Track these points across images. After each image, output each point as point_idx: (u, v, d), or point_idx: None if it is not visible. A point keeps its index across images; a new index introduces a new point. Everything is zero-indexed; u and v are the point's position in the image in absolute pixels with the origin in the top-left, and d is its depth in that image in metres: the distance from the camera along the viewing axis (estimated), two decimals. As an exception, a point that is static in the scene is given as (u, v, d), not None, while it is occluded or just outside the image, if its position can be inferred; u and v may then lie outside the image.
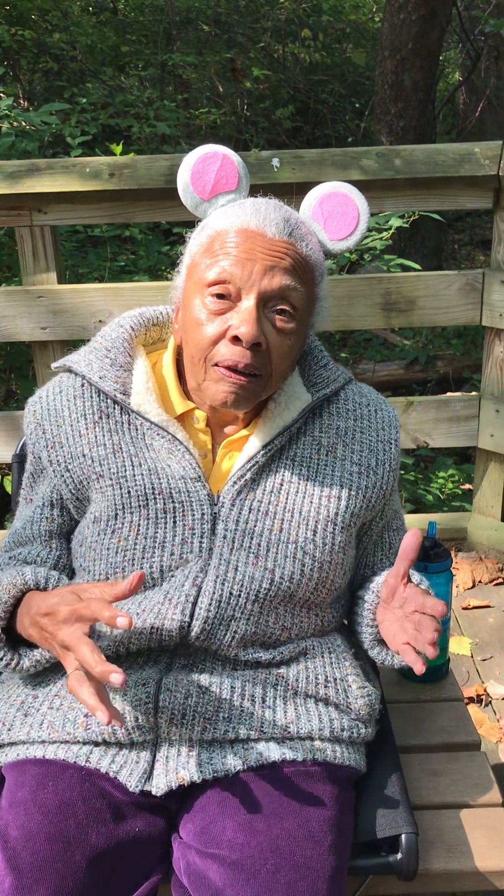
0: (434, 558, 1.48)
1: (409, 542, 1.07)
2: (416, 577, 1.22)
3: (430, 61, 5.54)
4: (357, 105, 8.27)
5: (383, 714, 1.33)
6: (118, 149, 3.26)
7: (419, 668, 1.02)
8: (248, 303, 1.08)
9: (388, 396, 3.68)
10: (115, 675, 0.92)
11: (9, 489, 2.90)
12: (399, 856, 1.10)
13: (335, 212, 1.19)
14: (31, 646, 1.14)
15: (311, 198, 1.20)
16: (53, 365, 1.25)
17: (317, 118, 7.97)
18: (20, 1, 7.28)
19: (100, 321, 2.40)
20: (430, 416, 2.61)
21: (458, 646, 2.28)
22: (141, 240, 3.85)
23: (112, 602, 0.99)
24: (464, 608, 2.45)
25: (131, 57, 7.24)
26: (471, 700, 2.08)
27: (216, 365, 1.09)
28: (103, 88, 6.14)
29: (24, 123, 3.77)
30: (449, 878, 1.16)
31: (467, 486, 3.52)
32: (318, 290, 1.17)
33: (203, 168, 1.17)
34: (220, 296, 1.09)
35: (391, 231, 3.29)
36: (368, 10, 8.84)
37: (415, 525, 2.78)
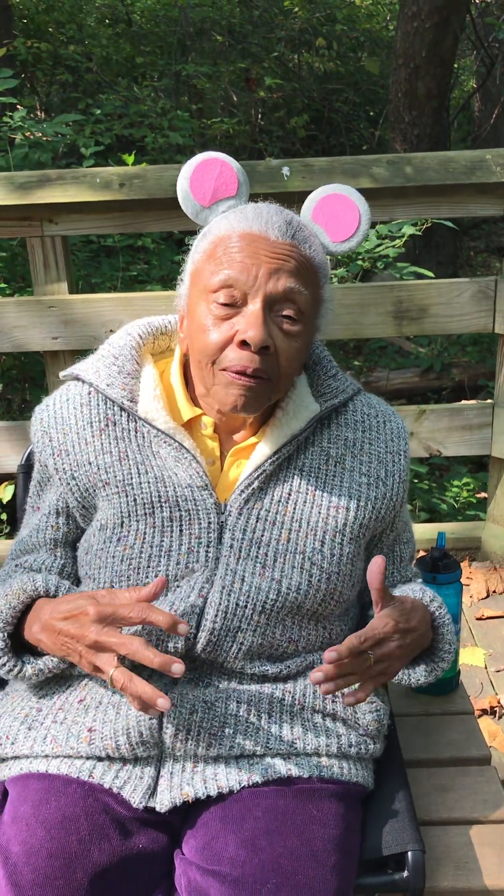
0: (443, 570, 1.47)
1: (371, 571, 1.05)
2: (428, 595, 1.20)
3: (443, 69, 5.53)
4: (371, 113, 8.28)
5: (391, 728, 1.31)
6: (130, 159, 3.27)
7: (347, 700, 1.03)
8: (255, 307, 1.08)
9: (402, 404, 3.67)
10: (177, 665, 0.94)
11: (4, 498, 2.92)
12: (406, 873, 1.08)
13: (336, 214, 1.19)
14: (36, 653, 1.14)
15: (312, 200, 1.20)
16: (62, 374, 1.25)
17: (331, 127, 7.98)
18: (37, 14, 7.36)
19: (111, 331, 2.40)
20: (443, 424, 2.59)
21: (472, 657, 2.25)
22: (154, 249, 3.86)
23: None
24: (477, 618, 2.43)
25: (146, 68, 7.29)
26: (484, 712, 2.05)
27: (224, 370, 1.09)
28: (118, 99, 6.18)
29: (38, 134, 3.79)
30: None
31: (482, 494, 3.49)
32: (323, 292, 1.17)
33: (202, 175, 1.17)
34: (225, 303, 1.08)
35: (404, 239, 3.28)
36: (382, 19, 8.85)
37: (429, 536, 2.76)
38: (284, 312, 1.09)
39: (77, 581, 1.24)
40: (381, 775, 1.22)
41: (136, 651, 0.96)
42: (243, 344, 1.07)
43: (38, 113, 7.07)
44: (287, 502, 1.17)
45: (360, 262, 3.33)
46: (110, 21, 8.08)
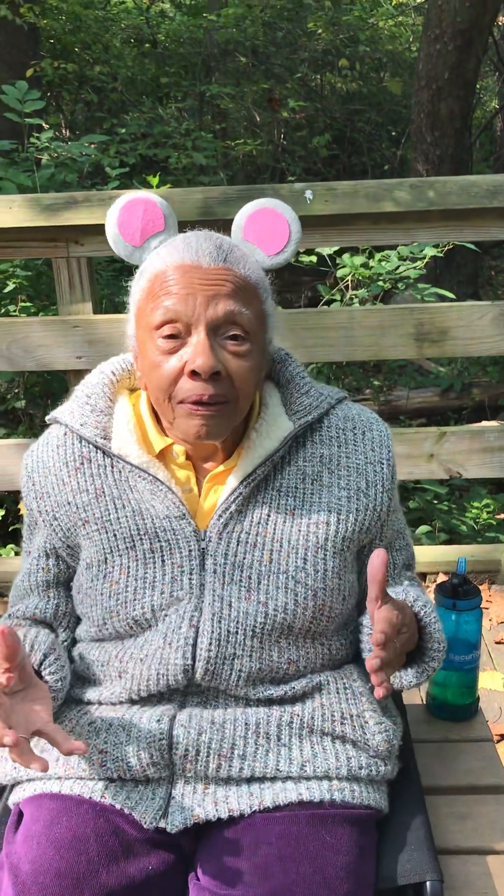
0: (463, 596, 1.46)
1: (373, 564, 1.03)
2: (411, 594, 1.18)
3: (466, 90, 5.56)
4: (393, 133, 8.32)
5: (409, 753, 1.31)
6: (154, 180, 3.31)
7: (378, 692, 1.00)
8: (199, 336, 1.08)
9: (422, 424, 3.67)
10: (8, 738, 0.91)
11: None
12: (422, 904, 1.08)
13: (265, 228, 1.19)
14: None
15: (239, 219, 1.20)
16: (47, 418, 1.27)
17: (353, 146, 8.03)
18: (64, 35, 7.48)
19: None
20: (464, 446, 2.59)
21: (492, 681, 2.24)
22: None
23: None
24: (497, 642, 2.41)
25: (170, 88, 7.38)
26: (502, 737, 2.04)
27: (182, 402, 1.10)
28: (142, 119, 6.26)
29: (64, 154, 3.85)
30: (474, 927, 1.13)
31: (502, 516, 3.47)
32: (266, 306, 1.17)
33: (128, 217, 1.18)
34: (170, 336, 1.09)
35: (426, 260, 3.29)
36: (405, 40, 8.91)
37: (452, 559, 2.74)
38: (230, 334, 1.10)
39: (75, 618, 1.27)
40: (398, 801, 1.21)
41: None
42: (194, 373, 1.07)
43: (63, 131, 7.17)
44: (266, 523, 1.17)
45: (380, 284, 3.35)
46: (135, 42, 8.19)
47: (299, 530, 1.17)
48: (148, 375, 1.14)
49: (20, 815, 1.12)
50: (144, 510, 1.17)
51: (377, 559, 1.03)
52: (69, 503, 1.20)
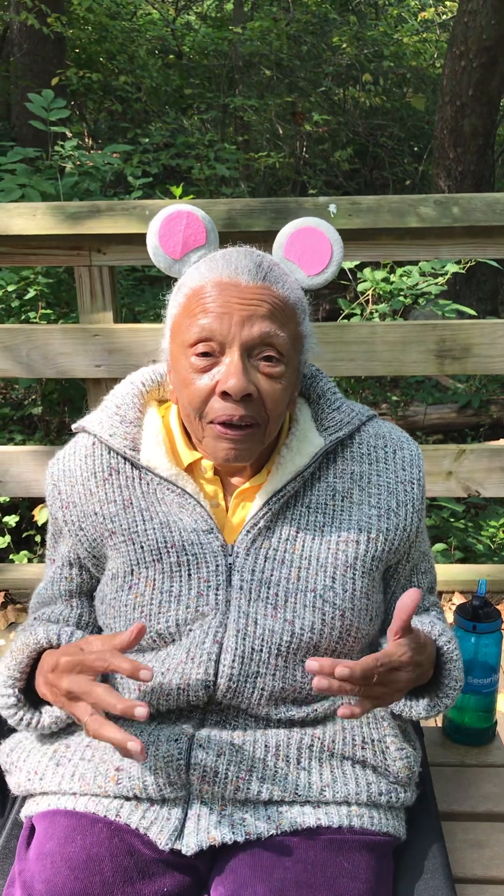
0: (484, 618, 1.44)
1: (404, 602, 1.02)
2: (438, 627, 1.17)
3: (490, 108, 5.56)
4: (416, 149, 8.32)
5: (425, 778, 1.28)
6: (178, 190, 3.32)
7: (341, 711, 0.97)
8: (233, 356, 1.07)
9: (439, 441, 3.64)
10: (140, 709, 0.92)
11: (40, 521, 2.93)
12: (439, 934, 1.06)
13: (307, 248, 1.18)
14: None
15: (282, 237, 1.19)
16: (73, 427, 1.26)
17: (375, 161, 8.04)
18: (90, 45, 7.54)
19: (153, 360, 2.42)
20: (483, 465, 2.57)
21: (506, 704, 2.20)
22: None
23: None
24: (512, 664, 2.38)
25: (194, 99, 7.42)
26: (518, 762, 2.00)
27: (211, 422, 1.09)
28: (165, 129, 6.29)
29: (87, 163, 3.87)
30: None
31: (519, 535, 3.44)
32: (303, 328, 1.15)
33: (170, 229, 1.17)
34: (204, 353, 1.08)
35: (447, 276, 3.28)
36: (430, 57, 8.92)
37: (468, 578, 2.71)
38: (264, 355, 1.08)
39: (97, 629, 1.25)
40: (414, 827, 1.19)
41: (100, 699, 0.96)
42: (225, 394, 1.06)
43: (87, 140, 7.22)
44: (295, 540, 1.15)
45: (401, 299, 3.33)
46: (160, 53, 8.24)
47: (328, 548, 1.15)
48: (179, 391, 1.13)
49: (32, 829, 1.10)
50: (172, 523, 1.16)
51: (409, 599, 1.02)
52: (96, 514, 1.19)
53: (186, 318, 1.10)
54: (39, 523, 3.06)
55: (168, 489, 1.16)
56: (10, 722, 1.14)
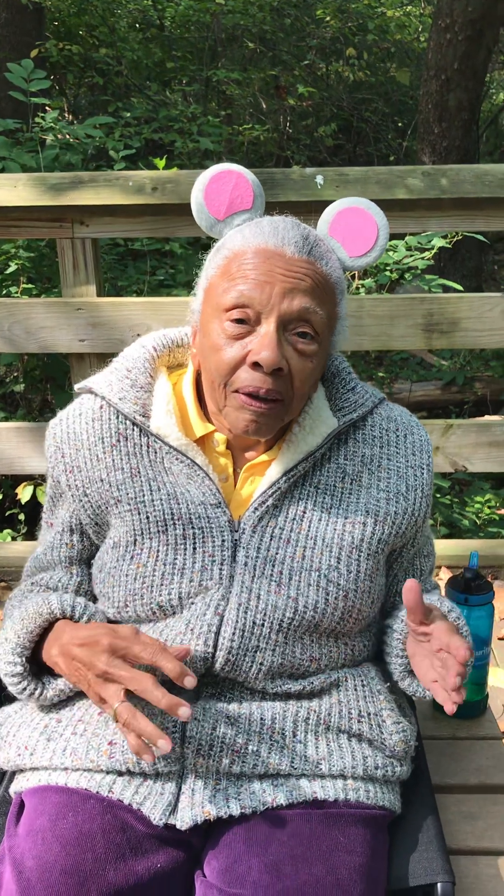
0: (475, 591, 1.43)
1: (411, 602, 1.04)
2: (445, 605, 1.17)
3: (475, 82, 5.51)
4: (400, 124, 8.26)
5: (419, 750, 1.28)
6: (161, 163, 3.26)
7: (449, 707, 0.99)
8: (268, 327, 1.05)
9: (423, 418, 3.65)
10: (185, 709, 0.92)
11: (43, 501, 2.90)
12: (434, 905, 1.05)
13: (353, 228, 1.16)
14: (55, 675, 1.12)
15: (329, 214, 1.17)
16: (76, 386, 1.23)
17: (359, 136, 7.98)
18: (69, 17, 7.39)
19: (138, 335, 2.38)
20: (470, 439, 2.56)
21: (496, 678, 2.21)
22: (181, 254, 3.85)
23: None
24: (500, 639, 2.39)
25: (176, 72, 7.30)
26: (506, 735, 2.01)
27: (237, 391, 1.06)
28: (147, 103, 6.19)
29: (68, 136, 3.79)
30: (485, 930, 1.11)
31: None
32: (339, 309, 1.14)
33: (217, 188, 1.14)
34: (238, 320, 1.06)
35: (433, 251, 3.25)
36: (414, 30, 8.84)
37: (454, 553, 2.71)
38: (299, 331, 1.06)
39: (94, 599, 1.22)
40: (408, 800, 1.18)
41: (146, 689, 0.95)
42: (256, 365, 1.04)
43: (67, 115, 7.10)
44: (302, 520, 1.14)
45: (388, 274, 3.31)
46: (142, 25, 8.10)
47: (335, 529, 1.14)
48: (207, 356, 1.10)
49: (21, 805, 1.08)
50: (179, 494, 1.13)
51: (412, 594, 1.03)
52: (102, 480, 1.16)
53: (224, 281, 1.07)
54: (23, 501, 3.02)
55: (177, 459, 1.14)
56: (11, 690, 1.11)
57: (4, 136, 3.51)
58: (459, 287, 3.30)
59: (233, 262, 1.08)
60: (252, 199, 1.15)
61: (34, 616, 1.10)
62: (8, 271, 3.25)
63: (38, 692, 1.11)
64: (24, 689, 1.10)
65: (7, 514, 3.28)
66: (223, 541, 1.11)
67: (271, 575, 1.10)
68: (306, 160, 7.14)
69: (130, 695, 0.98)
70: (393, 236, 3.42)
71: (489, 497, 3.51)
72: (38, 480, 3.02)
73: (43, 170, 3.36)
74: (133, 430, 1.17)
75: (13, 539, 3.11)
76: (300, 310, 1.05)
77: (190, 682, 0.94)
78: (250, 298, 1.05)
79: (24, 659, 1.10)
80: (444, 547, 2.77)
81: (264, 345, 1.03)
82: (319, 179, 2.29)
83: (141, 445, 1.17)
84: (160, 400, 1.16)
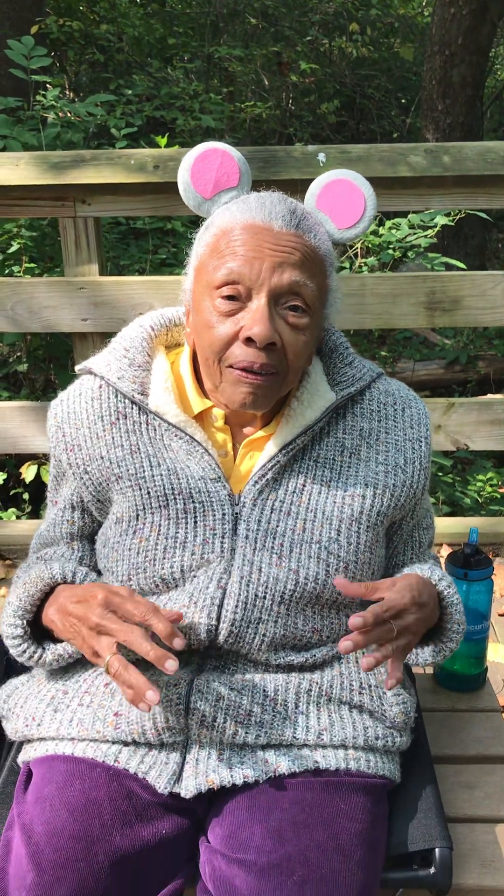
0: (475, 566, 1.45)
1: (348, 592, 1.04)
2: (437, 573, 1.18)
3: (479, 57, 5.46)
4: (403, 101, 8.19)
5: (418, 722, 1.30)
6: (163, 141, 3.25)
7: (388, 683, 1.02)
8: (259, 302, 1.06)
9: (426, 397, 3.66)
10: (171, 662, 0.93)
11: (47, 479, 2.92)
12: (432, 870, 1.08)
13: (341, 200, 1.16)
14: (56, 640, 1.15)
15: (316, 187, 1.17)
16: (77, 367, 1.24)
17: (362, 113, 7.91)
18: (69, -8, 7.31)
19: (140, 314, 2.38)
20: (472, 418, 2.57)
21: (495, 653, 2.23)
22: (183, 233, 3.84)
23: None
24: (500, 615, 2.41)
25: (178, 49, 7.23)
26: (506, 709, 2.04)
27: (231, 367, 1.07)
28: (149, 80, 6.14)
29: (69, 114, 3.77)
30: (482, 894, 1.13)
31: (506, 489, 3.46)
32: (330, 281, 1.14)
33: (203, 166, 1.15)
34: (229, 297, 1.06)
35: (436, 229, 3.24)
36: (418, 5, 8.73)
37: (455, 530, 2.72)
38: (290, 304, 1.07)
39: (97, 573, 1.24)
40: (408, 770, 1.21)
41: (135, 641, 0.96)
42: (249, 341, 1.05)
43: (67, 93, 7.04)
44: (301, 493, 1.15)
45: (391, 252, 3.30)
46: (143, 1, 8.01)
47: (334, 502, 1.15)
48: (200, 334, 1.11)
49: (29, 774, 1.11)
50: (179, 470, 1.15)
51: (344, 588, 1.03)
52: (102, 457, 1.17)
53: (214, 258, 1.08)
54: (27, 480, 3.04)
55: (176, 436, 1.16)
56: (13, 653, 1.14)
57: (5, 115, 3.49)
58: (462, 265, 3.30)
59: (221, 240, 1.08)
60: (238, 177, 1.15)
61: (36, 581, 1.13)
62: (10, 251, 3.25)
63: (37, 655, 1.13)
64: (25, 651, 1.12)
65: (11, 493, 3.30)
66: (224, 514, 1.13)
67: (272, 547, 1.12)
68: (309, 137, 7.09)
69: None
70: (395, 214, 3.41)
71: (491, 475, 3.52)
72: (41, 460, 3.03)
73: (45, 148, 3.35)
74: (132, 408, 1.19)
75: (17, 518, 3.14)
76: (290, 283, 1.06)
77: (178, 643, 0.96)
78: (240, 274, 1.05)
79: (24, 622, 1.12)
80: (446, 525, 2.79)
81: (256, 320, 1.05)
82: (322, 157, 2.28)
83: (140, 423, 1.18)
84: (158, 378, 1.18)
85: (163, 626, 0.97)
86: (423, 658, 1.18)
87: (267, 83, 7.21)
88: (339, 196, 1.16)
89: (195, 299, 1.13)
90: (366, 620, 0.98)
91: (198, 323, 1.12)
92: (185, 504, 1.13)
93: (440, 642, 1.17)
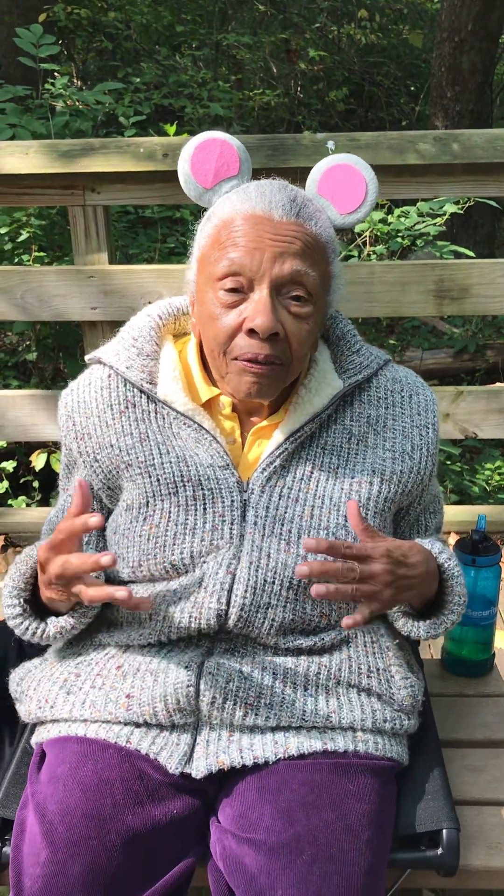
0: (483, 552, 1.46)
1: (350, 521, 1.06)
2: (436, 546, 1.19)
3: (489, 43, 5.41)
4: (412, 88, 8.13)
5: (426, 707, 1.31)
6: (172, 129, 3.25)
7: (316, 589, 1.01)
8: (261, 293, 1.06)
9: (435, 385, 3.65)
10: (105, 557, 0.97)
11: (56, 468, 2.94)
12: (440, 851, 1.09)
13: (342, 185, 1.16)
14: (58, 615, 1.16)
15: (316, 173, 1.17)
16: (87, 357, 1.25)
17: (371, 101, 7.85)
18: (77, -20, 7.28)
19: (149, 302, 2.39)
20: (480, 406, 2.57)
21: (499, 639, 2.24)
22: (192, 221, 3.84)
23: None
24: (508, 602, 2.41)
25: (186, 37, 7.20)
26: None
27: (236, 359, 1.08)
28: (157, 68, 6.12)
29: (78, 102, 3.77)
30: (489, 875, 1.15)
31: (514, 478, 3.46)
32: (332, 268, 1.14)
33: (203, 157, 1.15)
34: (232, 289, 1.07)
35: (445, 217, 3.23)
36: (427, -9, 8.66)
37: (463, 519, 2.72)
38: (293, 294, 1.08)
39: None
40: (416, 753, 1.22)
41: (74, 565, 1.01)
42: (252, 332, 1.06)
43: (75, 81, 7.02)
44: (309, 480, 1.16)
45: (399, 240, 3.30)
46: (150, -13, 7.97)
47: (342, 489, 1.16)
48: (204, 326, 1.12)
49: (43, 755, 1.12)
50: (188, 457, 1.16)
51: (352, 516, 1.05)
52: (112, 446, 1.19)
53: (215, 250, 1.09)
54: (37, 469, 3.06)
55: (184, 424, 1.17)
56: (18, 632, 1.15)
57: (14, 104, 3.49)
58: (471, 253, 3.29)
59: (222, 231, 1.09)
60: (238, 165, 1.15)
61: (25, 559, 1.16)
62: (20, 239, 3.26)
63: (40, 630, 1.14)
64: (28, 628, 1.14)
65: (21, 481, 3.32)
66: (232, 501, 1.14)
67: (280, 534, 1.13)
68: (317, 125, 7.06)
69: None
70: (404, 202, 3.40)
71: (499, 464, 3.52)
72: (51, 448, 3.05)
73: (53, 137, 3.35)
74: (141, 397, 1.20)
75: (27, 506, 3.15)
76: (292, 273, 1.06)
77: (107, 559, 0.98)
78: (241, 266, 1.06)
79: (21, 600, 1.14)
80: (454, 513, 2.80)
81: (258, 311, 1.05)
82: (331, 144, 2.28)
83: (149, 412, 1.19)
84: (166, 367, 1.19)
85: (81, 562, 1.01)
86: (425, 630, 1.18)
87: (275, 71, 7.18)
88: (341, 181, 1.16)
89: (199, 290, 1.13)
90: (319, 544, 0.99)
91: (202, 314, 1.12)
92: (194, 491, 1.14)
93: (441, 614, 1.18)
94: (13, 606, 1.14)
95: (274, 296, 1.07)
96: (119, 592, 0.98)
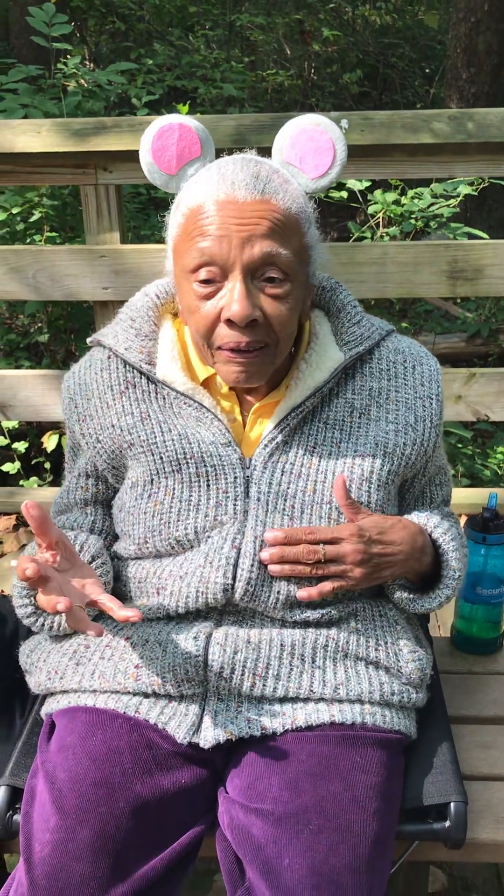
0: (493, 530, 1.45)
1: (336, 493, 1.11)
2: (433, 521, 1.20)
3: (506, 24, 5.35)
4: (427, 70, 8.06)
5: (435, 682, 1.32)
6: (185, 109, 3.23)
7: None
8: (235, 281, 1.04)
9: (447, 370, 3.63)
10: (62, 604, 0.94)
11: (48, 447, 2.97)
12: (447, 823, 1.10)
13: (308, 148, 1.12)
14: None
15: (281, 140, 1.13)
16: (88, 340, 1.25)
17: (385, 83, 7.79)
18: (90, -40, 7.24)
19: (161, 282, 2.39)
20: (493, 388, 2.55)
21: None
22: (203, 202, 3.83)
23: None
24: (518, 585, 2.41)
25: (199, 17, 7.16)
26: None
27: (220, 348, 1.08)
28: (170, 49, 6.09)
29: (90, 83, 3.75)
30: (496, 849, 1.15)
31: (526, 462, 3.45)
32: (308, 239, 1.11)
33: (162, 144, 1.12)
34: (206, 280, 1.05)
35: (459, 198, 3.21)
36: (443, -29, 8.56)
37: (475, 501, 2.70)
38: (267, 276, 1.05)
39: (111, 536, 1.27)
40: (424, 727, 1.23)
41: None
42: (230, 321, 1.05)
43: (88, 63, 7.00)
44: (312, 455, 1.16)
45: (413, 222, 3.27)
46: (164, -31, 7.92)
47: (344, 463, 1.16)
48: (186, 317, 1.12)
49: (52, 725, 1.13)
50: (190, 435, 1.16)
51: (338, 488, 1.11)
52: (113, 426, 1.19)
53: (186, 240, 1.07)
54: (49, 450, 3.07)
55: (185, 403, 1.17)
56: (35, 629, 1.17)
57: (27, 83, 3.48)
58: (485, 236, 3.26)
59: (190, 220, 1.07)
60: (200, 147, 1.13)
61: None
62: (32, 219, 3.25)
63: (55, 625, 1.16)
64: (43, 624, 1.16)
65: (33, 462, 3.34)
66: (235, 477, 1.14)
67: (283, 509, 1.13)
68: (331, 108, 7.01)
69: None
70: (418, 182, 3.37)
71: (511, 448, 3.50)
72: (62, 429, 3.06)
73: (66, 117, 3.34)
74: (140, 378, 1.20)
75: (39, 486, 3.17)
76: (262, 256, 1.04)
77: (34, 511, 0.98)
78: (212, 255, 1.04)
79: (31, 599, 1.15)
80: (465, 495, 2.79)
81: (233, 300, 1.04)
82: (345, 123, 2.26)
83: (149, 392, 1.19)
84: (165, 347, 1.18)
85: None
86: (418, 604, 1.20)
87: (289, 52, 7.13)
88: (306, 145, 1.12)
89: (177, 282, 1.13)
90: (276, 537, 1.08)
91: (183, 305, 1.12)
92: (197, 468, 1.15)
93: (437, 589, 1.19)
94: (24, 607, 1.15)
95: (248, 281, 1.05)
96: (90, 631, 0.98)
